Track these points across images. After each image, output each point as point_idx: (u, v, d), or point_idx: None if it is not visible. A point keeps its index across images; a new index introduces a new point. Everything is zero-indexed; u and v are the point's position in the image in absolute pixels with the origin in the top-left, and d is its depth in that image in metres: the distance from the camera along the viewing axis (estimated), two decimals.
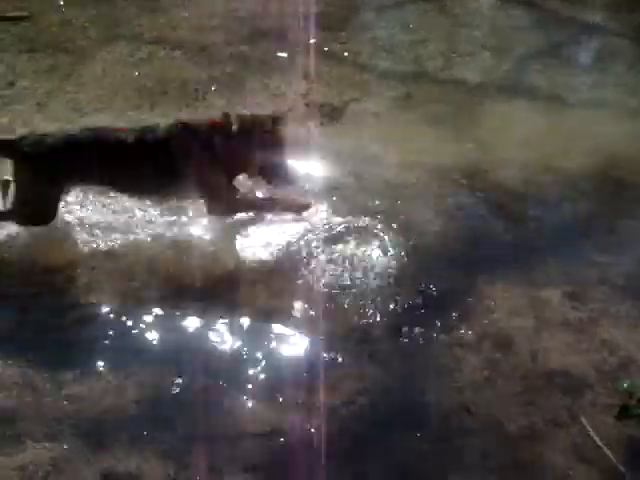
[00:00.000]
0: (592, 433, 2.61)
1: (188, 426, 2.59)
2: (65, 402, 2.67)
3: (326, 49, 5.32)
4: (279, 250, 3.45)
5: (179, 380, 2.75)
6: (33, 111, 4.58)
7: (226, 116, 3.43)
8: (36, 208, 3.47)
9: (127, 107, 4.61)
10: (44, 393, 2.69)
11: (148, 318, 3.03)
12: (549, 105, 4.88)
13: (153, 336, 2.95)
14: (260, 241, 3.52)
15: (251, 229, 3.59)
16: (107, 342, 2.92)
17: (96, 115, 4.52)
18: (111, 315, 3.04)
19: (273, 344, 2.93)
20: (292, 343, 2.96)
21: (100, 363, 2.83)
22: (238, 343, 2.93)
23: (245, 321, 3.03)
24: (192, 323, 3.01)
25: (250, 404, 2.70)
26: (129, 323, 3.00)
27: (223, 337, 2.95)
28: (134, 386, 2.73)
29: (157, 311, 3.07)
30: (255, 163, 3.47)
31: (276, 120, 3.46)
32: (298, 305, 3.15)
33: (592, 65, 5.62)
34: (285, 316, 3.09)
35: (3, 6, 5.86)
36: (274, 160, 3.46)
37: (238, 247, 3.52)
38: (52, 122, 4.37)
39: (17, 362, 2.80)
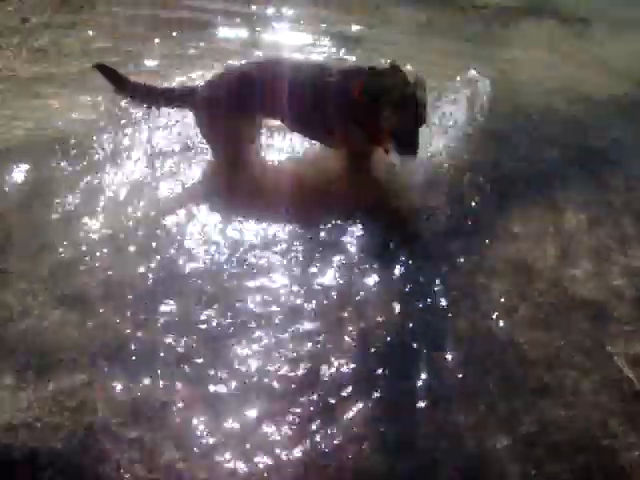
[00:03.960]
0: (616, 359, 2.63)
1: None
2: None
3: None
4: None
5: None
6: (50, 47, 4.54)
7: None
8: (227, 150, 3.43)
9: (143, 36, 4.59)
10: None
11: None
12: (576, 26, 4.74)
13: None
14: None
15: None
16: None
17: (111, 50, 4.48)
18: None
19: None
20: None
21: None
22: None
23: None
24: None
25: None
26: None
27: None
28: None
29: None
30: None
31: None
32: None
33: None
34: None
35: None
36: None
37: None
38: (70, 59, 4.37)
39: None
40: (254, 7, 4.96)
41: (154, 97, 3.43)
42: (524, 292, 2.89)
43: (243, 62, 3.48)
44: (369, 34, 4.65)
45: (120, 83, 3.41)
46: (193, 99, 3.36)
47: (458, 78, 4.08)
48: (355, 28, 4.72)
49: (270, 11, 4.92)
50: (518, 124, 3.79)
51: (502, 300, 2.86)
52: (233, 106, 3.28)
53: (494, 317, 2.79)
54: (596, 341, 2.71)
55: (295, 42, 4.60)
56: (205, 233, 3.17)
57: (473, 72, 4.12)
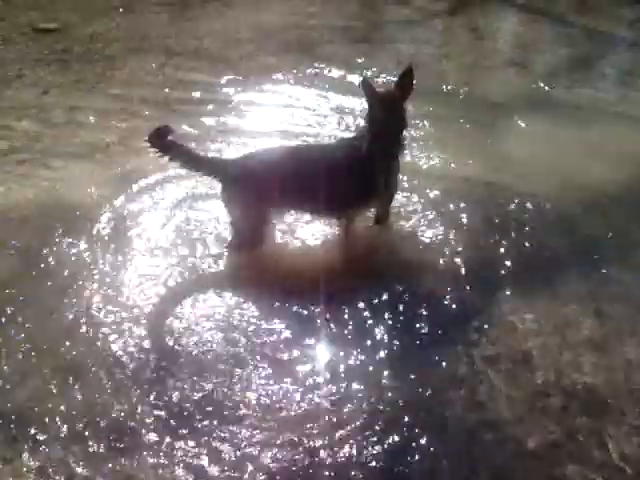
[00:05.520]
0: (613, 453, 2.59)
1: None
2: None
3: (350, 63, 5.35)
4: None
5: None
6: (63, 121, 4.68)
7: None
8: (247, 231, 3.40)
9: (153, 117, 4.68)
10: None
11: None
12: (574, 120, 4.85)
13: None
14: None
15: None
16: None
17: (125, 125, 4.62)
18: None
19: None
20: None
21: None
22: None
23: None
24: None
25: None
26: None
27: None
28: None
29: None
30: None
31: None
32: None
33: (618, 79, 5.58)
34: None
35: (34, 18, 6.00)
36: None
37: None
38: (83, 131, 4.49)
39: None
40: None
41: (189, 161, 3.33)
42: (524, 381, 2.88)
43: (278, 146, 3.50)
44: None
45: (166, 140, 3.27)
46: (224, 174, 3.34)
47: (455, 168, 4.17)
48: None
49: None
50: (518, 214, 3.85)
51: (501, 390, 2.84)
52: (263, 192, 3.27)
53: (493, 407, 2.77)
54: (595, 434, 2.68)
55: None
56: (215, 313, 3.17)
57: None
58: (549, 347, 3.04)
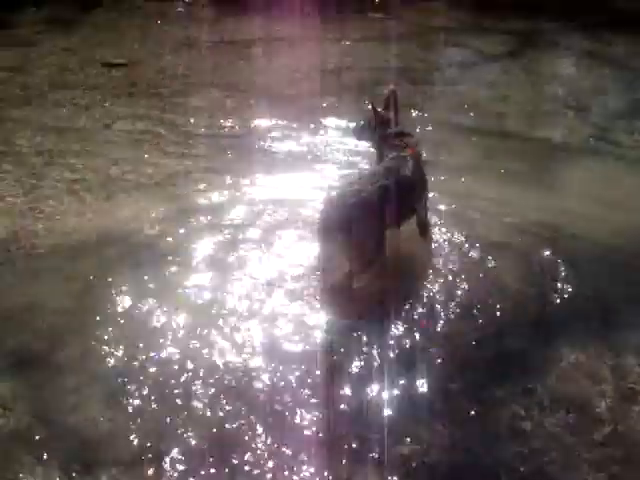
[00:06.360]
0: None
1: None
2: None
3: (409, 103, 5.40)
4: None
5: None
6: (127, 152, 4.82)
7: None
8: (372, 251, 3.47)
9: (215, 151, 4.80)
10: None
11: None
12: (633, 165, 4.81)
13: None
14: None
15: None
16: None
17: (187, 157, 4.74)
18: None
19: None
20: None
21: None
22: None
23: None
24: None
25: None
26: None
27: None
28: None
29: None
30: None
31: None
32: None
33: None
34: None
35: (104, 53, 6.27)
36: None
37: None
38: (146, 163, 4.62)
39: None
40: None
41: None
42: (581, 431, 2.79)
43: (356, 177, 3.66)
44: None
45: None
46: (334, 213, 3.37)
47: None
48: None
49: None
50: (573, 260, 3.76)
51: (557, 438, 2.76)
52: (380, 218, 3.42)
53: (548, 456, 2.70)
54: None
55: None
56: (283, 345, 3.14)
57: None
58: (606, 397, 2.94)
